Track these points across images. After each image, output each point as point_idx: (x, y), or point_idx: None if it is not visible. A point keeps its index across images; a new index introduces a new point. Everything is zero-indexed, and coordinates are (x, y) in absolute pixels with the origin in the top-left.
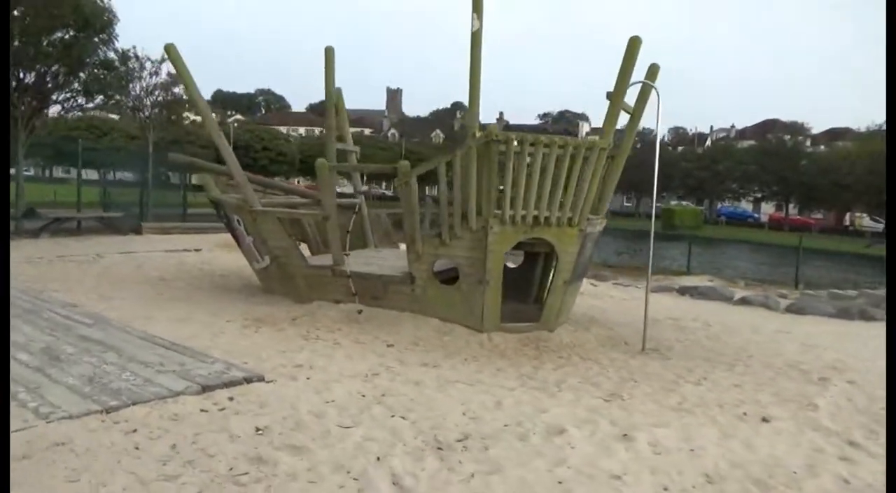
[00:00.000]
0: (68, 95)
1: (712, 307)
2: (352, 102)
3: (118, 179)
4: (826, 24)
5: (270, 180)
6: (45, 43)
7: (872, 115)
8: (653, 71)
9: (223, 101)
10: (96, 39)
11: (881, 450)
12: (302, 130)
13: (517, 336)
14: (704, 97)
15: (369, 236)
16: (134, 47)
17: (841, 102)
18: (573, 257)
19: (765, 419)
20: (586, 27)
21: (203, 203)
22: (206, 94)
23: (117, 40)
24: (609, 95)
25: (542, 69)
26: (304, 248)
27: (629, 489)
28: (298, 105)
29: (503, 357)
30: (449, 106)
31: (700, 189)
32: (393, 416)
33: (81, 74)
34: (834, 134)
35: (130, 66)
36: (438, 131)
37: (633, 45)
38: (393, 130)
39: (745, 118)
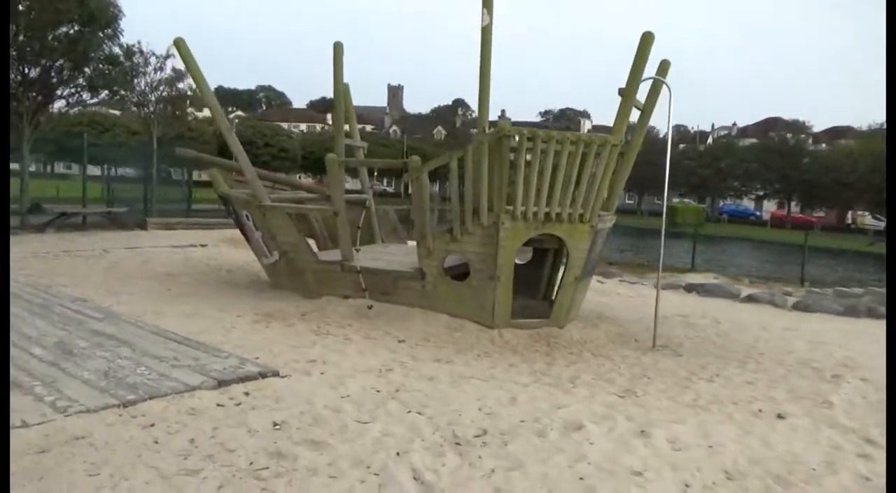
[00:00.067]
0: (73, 90)
1: (719, 304)
2: (352, 98)
3: (120, 175)
4: (826, 23)
5: (279, 176)
6: (50, 37)
7: (873, 113)
8: (664, 67)
9: (224, 97)
10: (101, 34)
11: None
12: (303, 127)
13: (527, 332)
14: (705, 96)
15: (377, 232)
16: (139, 42)
17: (841, 101)
18: (584, 254)
19: (780, 416)
20: (585, 26)
21: (207, 199)
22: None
23: (122, 35)
24: (621, 91)
25: (542, 67)
26: (311, 243)
27: (651, 486)
28: (299, 101)
29: (515, 353)
30: (450, 103)
31: (702, 187)
32: (409, 411)
33: (86, 69)
34: (835, 132)
35: (135, 61)
36: (440, 128)
37: (646, 40)
38: (394, 127)
39: (746, 117)
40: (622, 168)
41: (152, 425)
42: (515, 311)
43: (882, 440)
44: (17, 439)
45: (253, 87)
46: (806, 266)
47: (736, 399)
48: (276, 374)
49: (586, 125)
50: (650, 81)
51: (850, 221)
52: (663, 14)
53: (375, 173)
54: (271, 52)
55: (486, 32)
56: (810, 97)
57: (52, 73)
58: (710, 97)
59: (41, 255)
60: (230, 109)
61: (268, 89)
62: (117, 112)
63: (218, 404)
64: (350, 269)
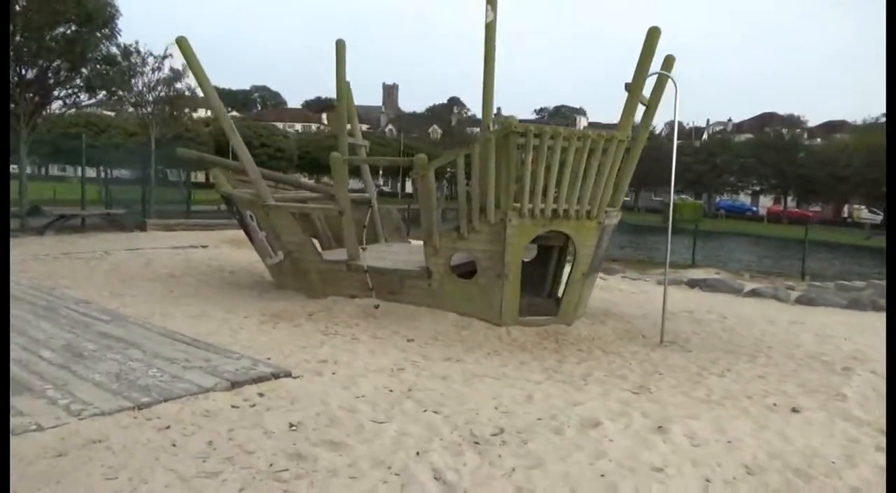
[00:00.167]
0: (70, 91)
1: (723, 299)
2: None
3: (115, 176)
4: (827, 21)
5: (282, 175)
6: (47, 38)
7: (869, 108)
8: (668, 62)
9: (219, 98)
10: (98, 34)
11: None
12: (298, 127)
13: (535, 330)
14: (699, 93)
15: (380, 231)
16: (136, 42)
17: (836, 97)
18: (591, 250)
19: (795, 410)
20: (586, 25)
21: (205, 200)
22: (200, 91)
23: (120, 35)
24: (628, 87)
25: (540, 66)
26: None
27: (673, 482)
28: (294, 101)
29: (524, 351)
30: (445, 101)
31: (698, 183)
32: (425, 411)
33: (84, 70)
34: (830, 127)
35: (133, 61)
36: (436, 127)
37: (653, 35)
38: (390, 126)
39: (741, 113)
40: (628, 164)
41: (168, 427)
42: (522, 308)
43: None
44: (32, 443)
45: (247, 87)
46: (805, 260)
47: (749, 394)
48: (288, 375)
49: (582, 122)
50: (654, 77)
51: (846, 216)
52: (664, 13)
53: (380, 171)
54: (266, 53)
55: (489, 29)
56: (804, 92)
57: (50, 74)
58: (704, 94)
59: (42, 257)
60: (227, 109)
61: (262, 89)
62: (111, 113)
63: (232, 406)
64: (356, 268)
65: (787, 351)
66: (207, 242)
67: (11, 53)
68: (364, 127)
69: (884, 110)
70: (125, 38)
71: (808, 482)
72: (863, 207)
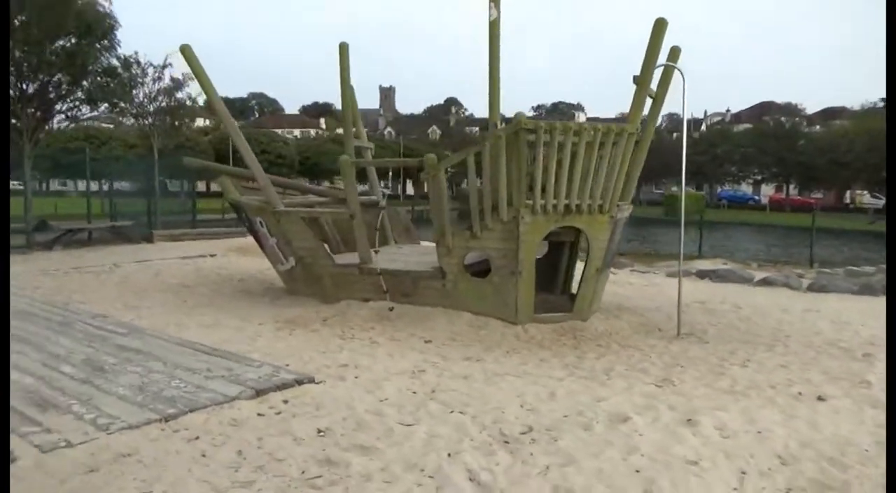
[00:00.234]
0: (72, 104)
1: (735, 289)
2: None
3: (118, 188)
4: (827, 20)
5: (288, 181)
6: (47, 51)
7: (867, 93)
8: (675, 53)
9: None
10: (98, 46)
11: None
12: (297, 132)
13: (551, 327)
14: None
15: (389, 233)
16: (136, 53)
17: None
18: (604, 245)
19: (821, 398)
20: (586, 25)
21: (208, 209)
22: (200, 100)
23: (119, 46)
24: (636, 79)
25: (538, 65)
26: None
27: (708, 475)
28: (291, 107)
29: (543, 348)
30: (442, 102)
31: (699, 174)
32: (451, 411)
33: (85, 83)
34: (829, 113)
35: (133, 72)
36: (434, 128)
37: (660, 26)
38: (388, 129)
39: (738, 103)
40: (637, 157)
41: (197, 438)
42: (536, 306)
43: None
44: (62, 459)
45: (245, 95)
46: (813, 247)
47: (773, 383)
48: (311, 380)
49: (580, 118)
50: (661, 69)
51: (848, 201)
52: (664, 14)
53: (389, 173)
54: (262, 60)
55: (493, 27)
56: (801, 80)
57: (51, 88)
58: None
59: (51, 272)
60: None
61: (260, 96)
62: (110, 126)
63: (258, 414)
64: (369, 271)
65: (806, 339)
66: (215, 251)
67: (12, 69)
68: None
69: (883, 95)
70: (124, 50)
71: (843, 471)
72: (865, 192)
